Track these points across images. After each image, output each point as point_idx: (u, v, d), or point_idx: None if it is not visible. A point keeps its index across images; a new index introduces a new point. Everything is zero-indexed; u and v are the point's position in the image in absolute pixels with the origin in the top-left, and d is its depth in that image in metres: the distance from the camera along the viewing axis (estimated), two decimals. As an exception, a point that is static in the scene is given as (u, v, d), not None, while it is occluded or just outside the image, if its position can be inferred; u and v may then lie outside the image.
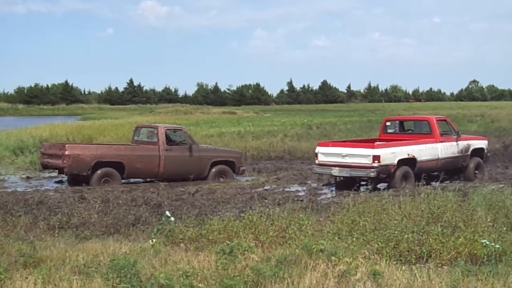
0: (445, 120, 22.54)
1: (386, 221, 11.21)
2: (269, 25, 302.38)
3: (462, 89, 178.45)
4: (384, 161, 19.21)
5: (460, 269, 8.41)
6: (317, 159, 20.66)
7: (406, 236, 10.12)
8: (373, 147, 19.55)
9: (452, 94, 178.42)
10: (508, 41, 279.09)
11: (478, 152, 22.49)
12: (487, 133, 33.95)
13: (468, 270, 8.40)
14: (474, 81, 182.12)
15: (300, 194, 18.86)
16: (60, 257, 9.39)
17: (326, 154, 20.36)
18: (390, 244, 9.91)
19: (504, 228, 10.75)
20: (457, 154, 21.58)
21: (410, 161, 19.95)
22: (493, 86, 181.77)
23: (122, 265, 7.74)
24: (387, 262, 9.08)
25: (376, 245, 9.91)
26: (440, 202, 12.46)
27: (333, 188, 20.30)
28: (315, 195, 18.68)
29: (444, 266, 9.21)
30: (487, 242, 9.39)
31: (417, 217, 11.64)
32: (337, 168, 19.82)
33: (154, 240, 10.03)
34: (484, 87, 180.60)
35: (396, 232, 10.34)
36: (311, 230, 10.96)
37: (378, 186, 19.61)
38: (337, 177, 20.44)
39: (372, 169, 19.07)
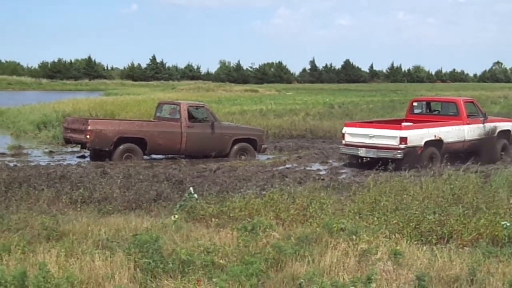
0: (472, 102, 22.46)
1: (408, 201, 11.19)
2: (292, 4, 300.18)
3: (485, 70, 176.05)
4: (411, 142, 19.16)
5: (481, 250, 8.43)
6: (344, 139, 20.64)
7: (427, 216, 10.11)
8: (400, 129, 19.50)
9: (475, 75, 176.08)
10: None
11: (504, 134, 22.40)
12: (510, 115, 33.63)
13: (489, 251, 8.40)
14: (498, 62, 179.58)
15: (321, 173, 18.86)
16: (82, 231, 9.48)
17: (353, 134, 20.30)
18: (411, 224, 9.91)
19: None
20: (484, 136, 21.47)
21: (436, 143, 19.89)
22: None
23: (144, 240, 7.81)
24: (408, 242, 9.10)
25: (397, 225, 9.91)
26: (462, 183, 12.41)
27: (354, 168, 20.23)
28: (336, 174, 18.66)
29: (465, 247, 9.20)
30: (508, 224, 9.37)
31: (439, 197, 11.60)
32: (363, 149, 19.82)
33: (176, 216, 10.08)
34: (508, 68, 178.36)
35: (417, 212, 10.33)
36: (332, 209, 10.98)
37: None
38: (364, 158, 20.44)
39: (399, 151, 19.03)
